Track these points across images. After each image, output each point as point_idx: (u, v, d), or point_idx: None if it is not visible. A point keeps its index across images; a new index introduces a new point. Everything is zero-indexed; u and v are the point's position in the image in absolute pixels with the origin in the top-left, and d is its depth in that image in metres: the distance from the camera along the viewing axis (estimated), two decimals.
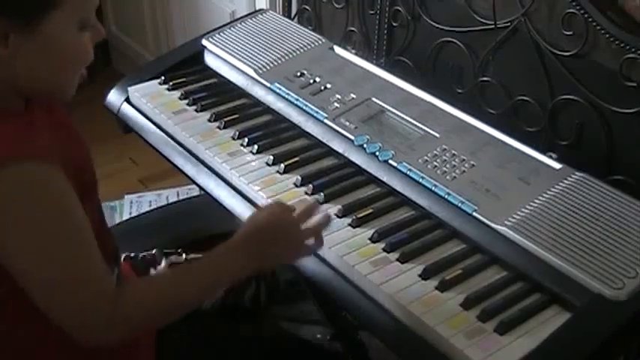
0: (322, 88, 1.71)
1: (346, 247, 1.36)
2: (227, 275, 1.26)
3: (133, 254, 1.56)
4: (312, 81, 1.73)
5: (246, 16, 2.02)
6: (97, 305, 1.12)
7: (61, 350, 1.22)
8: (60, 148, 1.16)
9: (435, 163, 1.47)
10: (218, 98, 1.78)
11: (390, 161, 1.50)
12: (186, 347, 1.44)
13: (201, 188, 1.63)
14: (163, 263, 1.63)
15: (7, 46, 1.10)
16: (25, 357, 1.25)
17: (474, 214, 1.36)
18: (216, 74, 1.87)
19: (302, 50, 1.84)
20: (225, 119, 1.69)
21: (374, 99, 1.65)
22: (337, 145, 1.58)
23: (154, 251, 1.60)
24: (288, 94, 1.70)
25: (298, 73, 1.76)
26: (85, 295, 1.12)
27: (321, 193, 1.47)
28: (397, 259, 1.33)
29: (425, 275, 1.29)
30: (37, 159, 1.10)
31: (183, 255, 1.62)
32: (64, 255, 1.11)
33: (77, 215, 1.14)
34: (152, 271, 1.58)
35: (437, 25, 1.86)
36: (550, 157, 1.46)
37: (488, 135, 1.53)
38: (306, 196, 1.47)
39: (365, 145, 1.54)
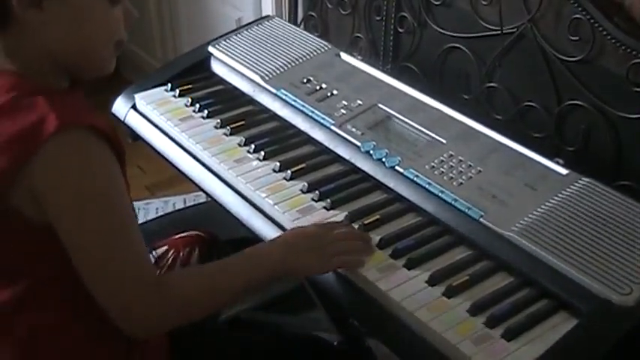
0: (329, 94, 1.71)
1: None
2: (260, 274, 1.29)
3: None
4: (318, 87, 1.73)
5: (252, 22, 2.02)
6: (141, 287, 1.16)
7: (91, 340, 1.25)
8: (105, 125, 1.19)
9: (442, 169, 1.47)
10: (225, 105, 1.78)
11: (397, 167, 1.50)
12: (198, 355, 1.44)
13: (208, 195, 1.63)
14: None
15: (42, 9, 1.14)
16: (54, 345, 1.26)
17: (481, 220, 1.36)
18: (222, 81, 1.87)
19: (308, 57, 1.84)
20: (232, 126, 1.69)
21: (380, 105, 1.65)
22: (344, 152, 1.58)
23: (164, 248, 1.61)
24: (294, 100, 1.71)
25: (304, 80, 1.76)
26: (131, 275, 1.15)
27: (328, 200, 1.47)
28: (404, 266, 1.32)
29: (432, 281, 1.29)
30: (95, 131, 1.14)
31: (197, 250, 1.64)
32: (118, 228, 1.15)
33: (126, 193, 1.19)
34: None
35: (443, 32, 1.86)
36: (557, 162, 1.45)
37: (494, 141, 1.53)
38: (313, 203, 1.47)
39: (371, 152, 1.54)
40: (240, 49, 1.89)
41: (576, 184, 1.40)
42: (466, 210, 1.38)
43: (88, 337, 1.23)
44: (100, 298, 1.16)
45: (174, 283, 1.22)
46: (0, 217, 1.15)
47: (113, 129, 1.21)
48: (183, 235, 1.64)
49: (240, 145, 1.64)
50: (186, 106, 1.78)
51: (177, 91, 1.82)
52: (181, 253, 1.59)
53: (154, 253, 1.60)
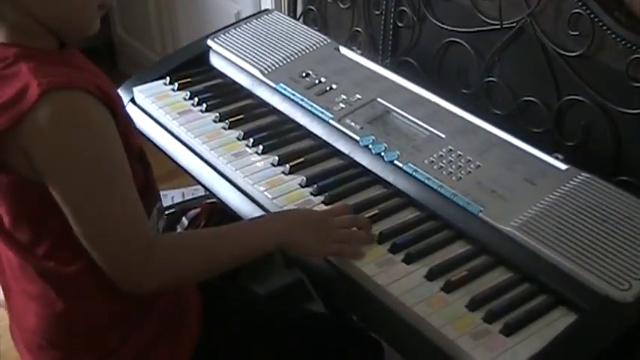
0: (328, 88, 1.71)
1: None
2: (254, 243, 1.31)
3: None
4: (317, 81, 1.73)
5: (251, 16, 2.02)
6: (134, 244, 1.18)
7: (128, 324, 1.30)
8: (92, 80, 1.20)
9: (441, 164, 1.47)
10: (223, 99, 1.78)
11: (396, 162, 1.50)
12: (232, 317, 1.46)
13: (206, 189, 1.63)
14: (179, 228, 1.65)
15: None
16: (97, 331, 1.30)
17: (480, 215, 1.36)
18: (221, 75, 1.87)
19: (307, 51, 1.84)
20: (231, 120, 1.68)
21: (379, 99, 1.65)
22: (343, 146, 1.58)
23: (197, 210, 1.62)
24: (293, 94, 1.70)
25: (304, 74, 1.76)
26: (124, 233, 1.18)
27: (326, 194, 1.46)
28: (403, 260, 1.32)
29: (430, 276, 1.29)
30: (86, 90, 1.15)
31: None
32: (105, 185, 1.17)
33: (120, 152, 1.19)
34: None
35: (442, 26, 1.86)
36: (556, 157, 1.45)
37: (494, 136, 1.52)
38: (312, 197, 1.47)
39: (370, 146, 1.54)
40: (239, 42, 1.89)
41: (576, 180, 1.40)
42: (465, 205, 1.38)
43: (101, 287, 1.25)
44: (94, 255, 1.19)
45: (166, 245, 1.24)
46: (7, 181, 1.18)
47: (105, 84, 1.22)
48: (214, 200, 1.65)
49: (238, 139, 1.64)
50: (185, 99, 1.78)
51: (176, 84, 1.82)
52: (212, 219, 1.61)
53: (189, 213, 1.61)
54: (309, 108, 1.66)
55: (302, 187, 1.50)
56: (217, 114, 1.71)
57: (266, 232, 1.33)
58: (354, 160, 1.55)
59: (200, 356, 1.37)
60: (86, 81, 1.17)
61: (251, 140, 1.62)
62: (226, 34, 1.92)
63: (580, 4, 1.54)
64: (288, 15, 2.23)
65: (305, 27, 1.96)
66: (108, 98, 1.19)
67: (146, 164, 1.33)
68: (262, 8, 2.35)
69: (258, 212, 1.47)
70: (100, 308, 1.29)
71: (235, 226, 1.36)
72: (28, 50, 1.18)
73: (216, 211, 1.65)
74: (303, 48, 1.84)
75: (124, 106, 1.30)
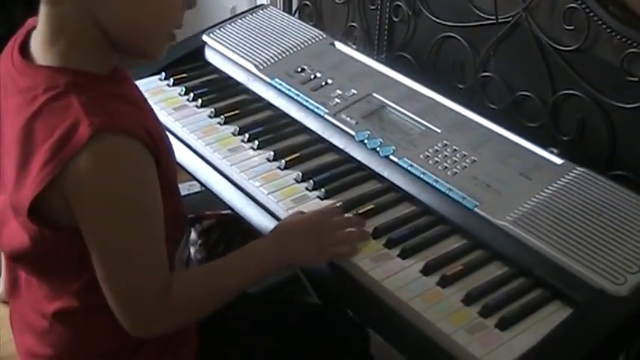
0: (323, 83, 1.70)
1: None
2: (259, 270, 1.31)
3: None
4: (312, 76, 1.73)
5: (246, 11, 2.01)
6: (152, 295, 1.17)
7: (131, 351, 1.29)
8: (141, 121, 1.17)
9: (436, 159, 1.47)
10: (219, 94, 1.77)
11: (391, 157, 1.50)
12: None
13: (202, 184, 1.62)
14: (193, 233, 1.65)
15: None
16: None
17: (475, 209, 1.36)
18: (216, 70, 1.87)
19: (303, 46, 1.83)
20: (226, 115, 1.68)
21: (375, 94, 1.65)
22: (338, 141, 1.58)
23: (211, 221, 1.62)
24: (288, 89, 1.70)
25: (299, 69, 1.76)
26: (144, 282, 1.17)
27: (322, 189, 1.46)
28: (398, 255, 1.32)
29: (426, 271, 1.29)
30: (133, 135, 1.12)
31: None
32: (136, 234, 1.15)
33: (156, 202, 1.16)
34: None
35: (438, 21, 1.86)
36: (551, 152, 1.45)
37: (489, 130, 1.52)
38: (307, 192, 1.47)
39: (366, 141, 1.54)
40: (235, 38, 1.89)
41: (571, 174, 1.40)
42: (460, 199, 1.38)
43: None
44: (110, 299, 1.17)
45: (179, 291, 1.21)
46: (44, 223, 1.15)
47: (152, 120, 1.20)
48: (229, 212, 1.64)
49: (234, 134, 1.64)
50: (180, 95, 1.77)
51: (172, 79, 1.81)
52: (227, 231, 1.60)
53: (204, 223, 1.61)
54: (305, 103, 1.66)
55: (297, 182, 1.50)
56: (213, 109, 1.70)
57: (268, 257, 1.31)
58: (350, 155, 1.55)
59: (200, 353, 1.38)
60: (136, 123, 1.13)
61: (246, 135, 1.62)
62: (222, 30, 1.92)
63: None
64: (284, 10, 2.23)
65: (300, 22, 1.96)
66: (153, 141, 1.15)
67: (178, 195, 1.33)
68: (258, 3, 2.36)
69: (253, 207, 1.47)
70: (106, 340, 1.28)
71: (237, 258, 1.32)
72: (79, 78, 1.13)
73: (230, 223, 1.64)
74: (299, 43, 1.84)
75: (167, 141, 1.25)
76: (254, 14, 1.97)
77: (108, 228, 1.13)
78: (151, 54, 1.20)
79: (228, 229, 1.66)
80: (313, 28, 1.91)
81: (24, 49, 1.18)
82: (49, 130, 1.10)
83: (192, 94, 1.76)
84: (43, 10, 1.14)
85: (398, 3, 1.95)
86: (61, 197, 1.11)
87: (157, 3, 1.15)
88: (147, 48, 1.20)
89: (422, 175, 1.44)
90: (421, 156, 1.48)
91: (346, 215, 1.40)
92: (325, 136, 1.60)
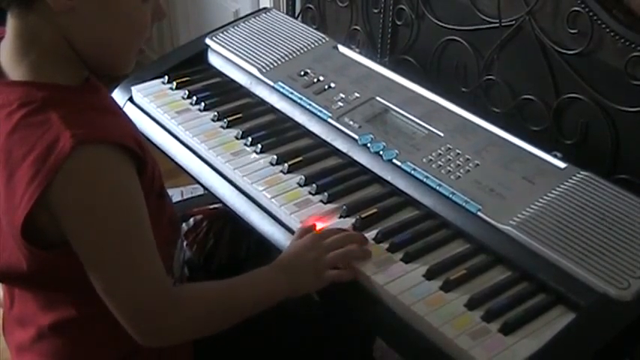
0: (326, 87, 1.70)
1: None
2: (267, 299, 1.30)
3: None
4: (315, 80, 1.73)
5: (249, 15, 2.01)
6: (156, 303, 1.16)
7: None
8: (123, 128, 1.17)
9: (440, 163, 1.47)
10: (222, 97, 1.77)
11: (394, 160, 1.49)
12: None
13: (205, 188, 1.62)
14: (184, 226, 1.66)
15: None
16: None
17: (479, 213, 1.36)
18: (219, 73, 1.86)
19: (306, 49, 1.83)
20: (229, 118, 1.68)
21: (378, 98, 1.65)
22: (341, 145, 1.58)
23: (200, 216, 1.62)
24: (291, 93, 1.70)
25: (302, 72, 1.75)
26: (144, 292, 1.16)
27: (325, 193, 1.46)
28: (401, 259, 1.32)
29: (429, 275, 1.29)
30: (112, 143, 1.12)
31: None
32: (128, 244, 1.14)
33: (141, 206, 1.16)
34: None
35: (441, 24, 1.86)
36: (555, 156, 1.45)
37: (492, 134, 1.52)
38: (310, 196, 1.47)
39: (369, 145, 1.54)
40: (238, 41, 1.89)
41: (574, 178, 1.39)
42: (464, 204, 1.38)
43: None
44: (115, 312, 1.16)
45: (186, 302, 1.21)
46: (32, 241, 1.15)
47: (130, 133, 1.19)
48: (217, 206, 1.64)
49: (237, 138, 1.63)
50: (183, 98, 1.77)
51: (174, 83, 1.81)
52: (214, 225, 1.61)
53: (190, 221, 1.61)
54: (308, 106, 1.66)
55: (300, 186, 1.50)
56: (216, 113, 1.70)
57: (276, 288, 1.30)
58: (353, 159, 1.55)
59: (199, 350, 1.38)
60: (118, 132, 1.14)
61: (249, 139, 1.61)
62: (225, 33, 1.92)
63: (579, 2, 1.54)
64: (287, 13, 2.23)
65: (303, 25, 1.95)
66: (139, 146, 1.16)
67: (168, 197, 1.32)
68: (261, 7, 2.36)
69: (256, 211, 1.47)
70: (104, 349, 1.28)
71: (246, 283, 1.31)
72: (55, 92, 1.13)
73: (219, 217, 1.64)
74: (302, 46, 1.84)
75: (146, 144, 1.25)
76: (257, 18, 1.97)
77: (99, 239, 1.12)
78: (120, 68, 1.22)
79: (217, 224, 1.66)
80: (316, 32, 1.90)
81: None
82: (29, 146, 1.10)
83: (195, 98, 1.76)
84: (11, 22, 1.15)
85: (401, 6, 1.96)
86: (49, 213, 1.10)
87: (127, 20, 1.16)
88: (116, 63, 1.21)
89: (425, 179, 1.44)
90: (424, 160, 1.48)
91: (348, 230, 1.38)
92: (328, 140, 1.60)
